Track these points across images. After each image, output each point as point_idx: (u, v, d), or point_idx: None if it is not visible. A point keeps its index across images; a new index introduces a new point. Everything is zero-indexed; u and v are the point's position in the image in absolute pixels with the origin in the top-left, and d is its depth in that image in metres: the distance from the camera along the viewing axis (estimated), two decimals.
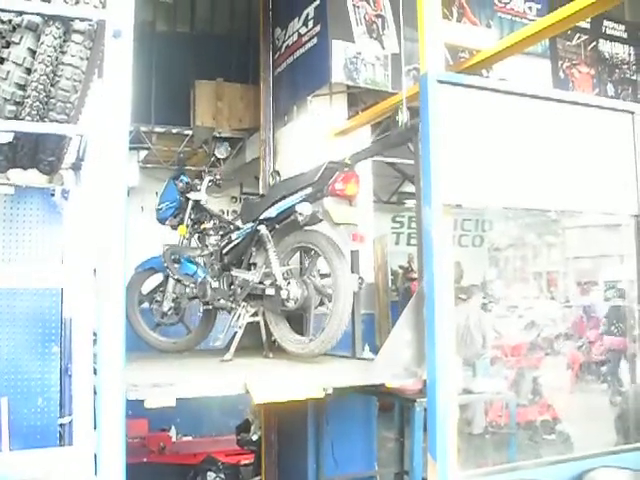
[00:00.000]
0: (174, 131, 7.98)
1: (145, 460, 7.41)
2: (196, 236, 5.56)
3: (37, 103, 2.73)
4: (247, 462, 7.34)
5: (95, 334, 2.92)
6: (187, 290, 5.32)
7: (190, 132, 7.96)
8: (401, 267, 11.09)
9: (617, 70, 7.88)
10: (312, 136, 6.42)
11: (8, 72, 2.69)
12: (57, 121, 2.82)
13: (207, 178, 5.60)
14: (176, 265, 5.39)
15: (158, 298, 5.53)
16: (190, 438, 8.94)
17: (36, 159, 3.31)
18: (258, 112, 7.33)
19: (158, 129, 7.92)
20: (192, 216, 5.53)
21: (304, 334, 4.72)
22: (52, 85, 2.76)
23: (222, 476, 7.18)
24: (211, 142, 8.00)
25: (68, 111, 2.83)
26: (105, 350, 2.75)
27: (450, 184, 3.92)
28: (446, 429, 3.79)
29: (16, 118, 2.78)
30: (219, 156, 5.56)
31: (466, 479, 3.88)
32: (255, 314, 4.97)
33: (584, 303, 10.55)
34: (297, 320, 4.84)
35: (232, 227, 5.39)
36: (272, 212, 4.73)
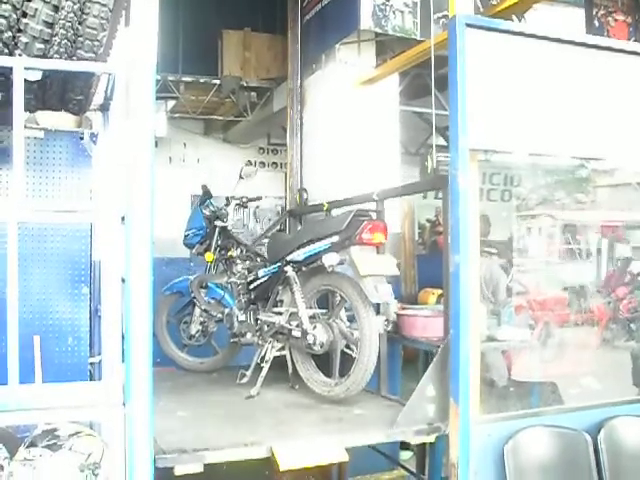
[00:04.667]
0: (202, 80, 7.94)
1: None
2: (223, 262, 5.65)
3: (65, 41, 2.76)
4: None
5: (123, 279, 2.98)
6: (214, 314, 5.47)
7: (218, 82, 7.93)
8: (428, 220, 11.05)
9: None
10: (340, 85, 6.38)
11: (36, 10, 2.72)
12: (85, 59, 2.85)
13: (233, 202, 5.70)
14: (203, 290, 5.55)
15: (186, 320, 5.68)
16: None
17: (65, 98, 3.35)
18: (286, 62, 7.28)
19: (186, 78, 7.90)
20: (219, 242, 5.64)
21: (330, 375, 4.80)
22: (80, 23, 2.78)
23: None
24: (238, 92, 7.97)
25: (96, 49, 2.85)
26: (134, 294, 2.83)
27: (477, 129, 3.91)
28: (468, 373, 3.84)
29: (44, 56, 2.81)
30: (244, 177, 5.68)
31: (487, 423, 3.93)
32: (282, 348, 5.05)
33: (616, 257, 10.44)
34: (324, 358, 4.88)
35: (259, 259, 5.50)
36: (299, 255, 4.80)
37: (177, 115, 8.57)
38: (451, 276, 3.97)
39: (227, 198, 5.78)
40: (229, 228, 5.64)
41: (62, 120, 4.25)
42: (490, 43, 3.97)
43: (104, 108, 3.72)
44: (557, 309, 7.81)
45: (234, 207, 5.72)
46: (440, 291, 5.88)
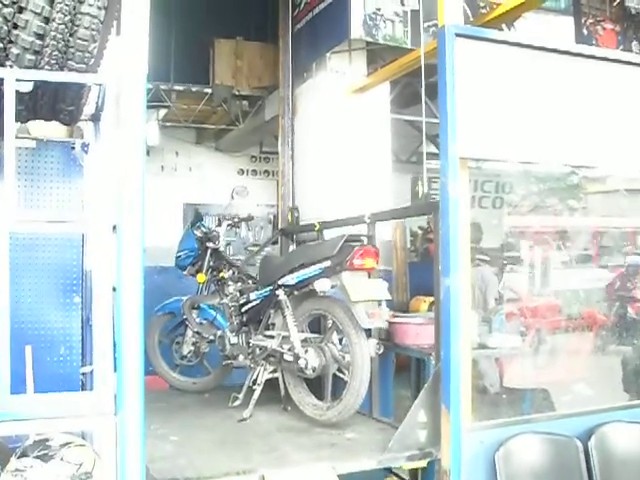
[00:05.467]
0: (193, 89, 7.97)
1: None
2: (215, 283, 5.69)
3: (56, 52, 2.78)
4: None
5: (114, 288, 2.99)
6: (206, 336, 5.49)
7: (209, 90, 7.96)
8: (420, 228, 11.05)
9: None
10: (331, 93, 6.40)
11: (27, 21, 2.73)
12: (76, 70, 2.86)
13: (225, 223, 5.73)
14: (195, 311, 5.58)
15: (178, 340, 5.71)
16: None
17: (56, 109, 3.36)
18: (277, 71, 7.30)
19: (177, 87, 7.93)
20: (211, 263, 5.66)
21: (322, 398, 4.82)
22: (71, 35, 2.80)
23: None
24: (230, 100, 8.00)
25: (87, 60, 2.87)
26: (125, 303, 2.84)
27: (467, 138, 3.94)
28: (459, 379, 3.86)
29: (35, 67, 2.82)
30: (235, 197, 5.73)
31: (479, 430, 3.95)
32: (274, 371, 5.07)
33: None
34: (316, 380, 4.89)
35: (251, 281, 5.51)
36: (291, 280, 4.83)
37: (169, 124, 8.59)
38: (442, 284, 3.99)
39: (219, 219, 5.83)
40: (221, 250, 5.66)
41: (53, 130, 4.26)
42: (479, 52, 4.01)
43: (95, 118, 3.72)
44: (548, 315, 7.85)
45: (226, 227, 5.74)
46: (432, 299, 5.89)
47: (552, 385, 6.15)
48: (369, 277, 4.80)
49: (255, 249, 8.61)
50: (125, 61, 2.77)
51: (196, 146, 9.75)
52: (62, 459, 2.91)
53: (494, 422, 4.08)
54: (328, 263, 4.58)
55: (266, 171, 10.09)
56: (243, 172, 9.99)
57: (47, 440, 3.00)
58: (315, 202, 6.49)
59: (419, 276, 7.08)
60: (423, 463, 4.11)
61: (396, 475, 5.64)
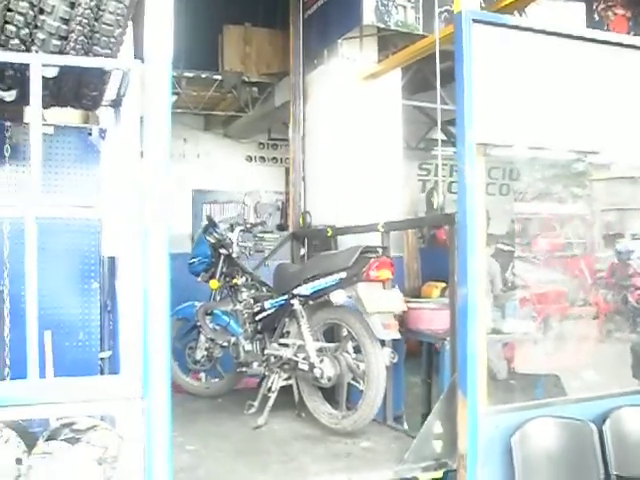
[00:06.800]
0: (203, 76, 7.93)
1: None
2: (228, 289, 5.71)
3: (81, 37, 2.78)
4: None
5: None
6: (220, 342, 5.50)
7: (219, 77, 7.93)
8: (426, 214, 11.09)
9: None
10: (343, 80, 6.40)
11: (53, 6, 2.74)
12: (101, 55, 2.86)
13: (237, 229, 5.71)
14: (208, 317, 5.58)
15: (191, 345, 5.72)
16: None
17: (79, 94, 3.37)
18: (286, 57, 7.29)
19: (187, 74, 7.89)
20: (224, 270, 5.68)
21: (337, 407, 4.87)
22: (96, 19, 2.80)
23: None
24: (240, 87, 7.98)
25: (112, 46, 2.87)
26: (151, 287, 2.85)
27: (483, 124, 3.95)
28: (476, 365, 3.88)
29: (61, 53, 2.83)
30: (248, 203, 5.71)
31: (494, 414, 3.97)
32: (288, 378, 5.11)
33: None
34: (330, 388, 4.92)
35: (264, 289, 5.55)
36: (306, 290, 4.88)
37: (179, 110, 8.56)
38: (458, 269, 4.01)
39: (231, 224, 5.82)
40: (234, 256, 5.67)
41: (69, 116, 4.26)
42: (495, 38, 4.01)
43: (116, 104, 3.73)
44: (558, 302, 7.86)
45: (238, 233, 5.73)
46: (444, 284, 5.92)
47: (562, 371, 6.17)
48: (384, 287, 4.78)
49: (262, 235, 8.63)
50: (150, 46, 2.78)
51: (204, 133, 9.72)
52: (88, 442, 2.93)
53: (509, 407, 4.11)
54: (344, 274, 4.63)
55: (274, 158, 10.07)
56: (251, 159, 9.98)
57: (73, 424, 3.02)
58: (326, 189, 6.50)
59: (428, 262, 7.10)
60: (439, 474, 4.12)
61: None
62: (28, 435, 3.10)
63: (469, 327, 3.84)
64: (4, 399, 2.70)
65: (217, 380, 5.91)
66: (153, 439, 2.83)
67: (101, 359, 4.37)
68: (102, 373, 4.32)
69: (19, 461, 2.91)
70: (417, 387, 6.14)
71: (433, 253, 7.19)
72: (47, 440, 2.94)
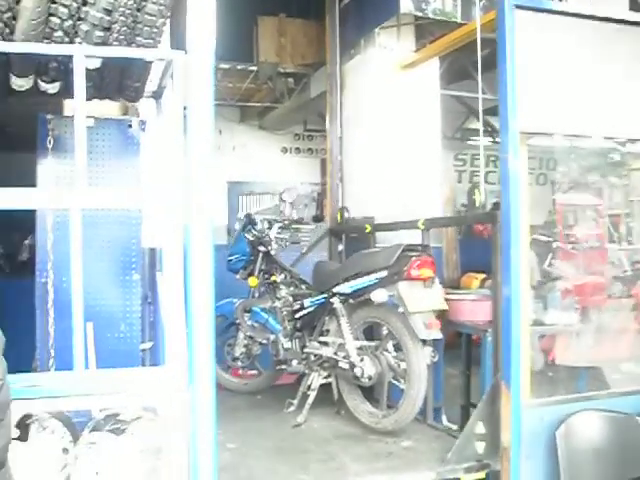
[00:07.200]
0: (239, 67, 7.93)
1: None
2: (266, 286, 5.71)
3: (124, 28, 2.78)
4: None
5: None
6: (259, 340, 5.53)
7: (254, 68, 7.92)
8: (463, 205, 10.97)
9: None
10: (380, 69, 6.34)
11: None
12: (143, 46, 2.86)
13: (276, 226, 5.72)
14: (247, 314, 5.60)
15: (230, 342, 5.74)
16: None
17: (122, 85, 3.37)
18: (321, 48, 7.25)
19: (223, 65, 7.89)
20: (262, 267, 5.68)
21: (377, 406, 4.84)
22: (138, 10, 2.79)
23: None
24: (275, 78, 7.96)
25: (154, 36, 2.87)
26: (195, 277, 2.84)
27: (527, 112, 3.89)
28: (519, 357, 3.84)
29: (104, 44, 2.83)
30: (286, 199, 5.71)
31: (538, 407, 3.93)
32: (328, 376, 5.10)
33: None
34: (370, 386, 4.89)
35: (304, 286, 5.53)
36: (346, 288, 4.84)
37: (214, 102, 8.57)
38: (502, 259, 3.96)
39: (269, 221, 5.82)
40: (272, 253, 5.68)
41: (109, 108, 4.27)
42: (538, 23, 3.95)
43: (157, 95, 3.72)
44: (596, 293, 7.75)
45: (277, 230, 5.74)
46: (483, 275, 5.85)
47: (603, 363, 6.07)
48: (425, 286, 4.72)
49: (298, 227, 8.61)
50: (192, 36, 2.76)
51: (239, 125, 9.72)
52: (134, 433, 2.95)
53: (554, 399, 4.06)
54: (384, 273, 4.59)
55: (309, 149, 10.04)
56: (286, 150, 9.96)
57: (117, 414, 3.04)
58: (363, 179, 6.45)
59: (467, 252, 7.04)
60: (481, 475, 4.09)
61: None
62: (72, 425, 3.13)
63: (513, 320, 3.81)
64: (51, 390, 2.72)
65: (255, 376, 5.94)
66: (198, 430, 2.83)
67: (142, 350, 4.38)
68: (143, 364, 4.34)
69: (65, 451, 2.94)
70: (454, 378, 6.07)
71: (471, 243, 7.13)
72: (92, 431, 2.97)
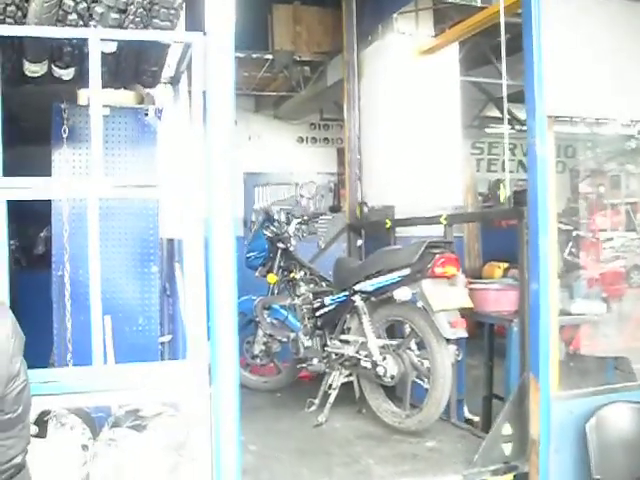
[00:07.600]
0: (254, 56, 7.83)
1: None
2: (286, 283, 5.64)
3: (140, 10, 2.68)
4: None
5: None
6: (279, 338, 5.44)
7: (270, 57, 7.82)
8: (481, 194, 10.86)
9: None
10: (398, 56, 6.22)
11: None
12: (161, 28, 2.76)
13: (295, 221, 5.63)
14: (266, 312, 5.50)
15: (249, 339, 5.65)
16: None
17: (139, 70, 3.28)
18: (337, 36, 7.14)
19: (239, 54, 7.79)
20: (281, 264, 5.60)
21: (400, 405, 4.75)
22: None
23: None
24: (291, 66, 7.86)
25: (172, 18, 2.76)
26: (217, 271, 2.76)
27: (554, 95, 3.79)
28: (548, 348, 3.76)
29: (120, 27, 2.74)
30: (305, 195, 5.64)
31: (567, 399, 3.84)
32: (349, 374, 5.02)
33: None
34: (392, 386, 4.81)
35: (324, 284, 5.43)
36: (368, 286, 4.74)
37: None
38: (529, 248, 3.87)
39: (287, 217, 5.74)
40: (291, 250, 5.60)
41: (124, 97, 4.19)
42: (565, 2, 3.84)
43: (175, 81, 3.63)
44: (618, 282, 7.64)
45: (295, 226, 5.66)
46: (506, 265, 5.75)
47: (630, 353, 5.97)
48: (449, 283, 4.61)
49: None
50: (212, 18, 2.66)
51: (254, 114, 9.63)
52: (155, 429, 2.88)
53: (583, 391, 3.97)
54: (407, 271, 4.48)
55: (325, 138, 9.93)
56: (302, 140, 9.86)
57: (138, 410, 2.97)
58: (382, 168, 6.35)
59: (489, 242, 6.93)
60: (509, 477, 3.99)
61: None
62: (91, 422, 3.06)
63: (542, 311, 3.74)
64: (70, 386, 2.65)
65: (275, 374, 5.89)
66: (221, 426, 2.74)
67: (161, 344, 4.30)
68: (162, 358, 4.27)
69: (85, 448, 2.87)
70: (474, 369, 6.01)
71: (492, 233, 7.01)
72: (112, 427, 2.89)
